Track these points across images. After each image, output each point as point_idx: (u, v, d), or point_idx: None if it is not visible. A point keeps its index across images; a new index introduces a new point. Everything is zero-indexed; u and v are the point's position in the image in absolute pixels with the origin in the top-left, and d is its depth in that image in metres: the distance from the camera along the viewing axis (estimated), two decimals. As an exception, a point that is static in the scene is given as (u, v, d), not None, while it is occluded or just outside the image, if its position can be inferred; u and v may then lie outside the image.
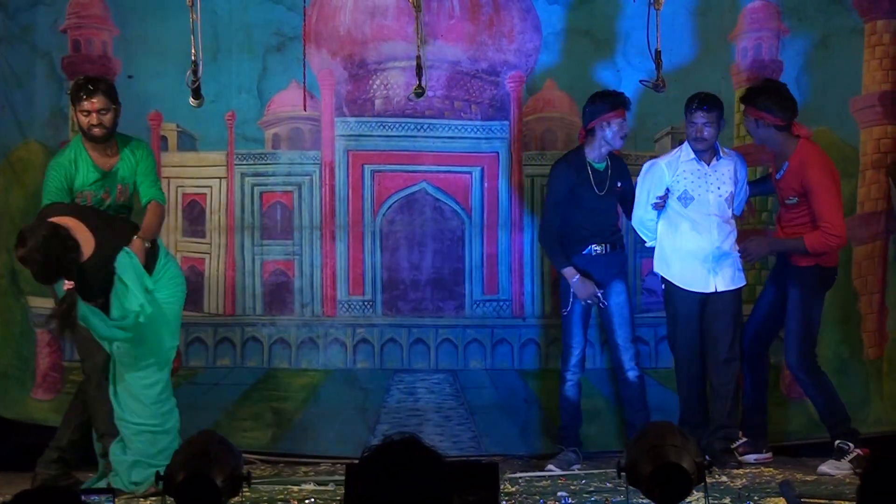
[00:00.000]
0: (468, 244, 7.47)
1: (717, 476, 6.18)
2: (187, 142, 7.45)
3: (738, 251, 6.72)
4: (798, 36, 7.43)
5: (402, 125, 7.51)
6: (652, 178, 6.75)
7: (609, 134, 6.74)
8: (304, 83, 7.06)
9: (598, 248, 6.86)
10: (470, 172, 7.51)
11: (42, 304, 7.25)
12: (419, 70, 6.47)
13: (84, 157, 6.44)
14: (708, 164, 6.70)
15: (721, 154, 6.76)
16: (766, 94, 6.65)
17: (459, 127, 7.50)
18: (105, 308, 6.15)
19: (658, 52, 6.38)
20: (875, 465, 3.16)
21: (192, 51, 6.09)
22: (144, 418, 6.16)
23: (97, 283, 6.10)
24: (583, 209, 6.87)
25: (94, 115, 6.38)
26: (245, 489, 4.33)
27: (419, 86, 6.61)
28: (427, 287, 7.42)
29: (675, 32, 7.17)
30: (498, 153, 7.50)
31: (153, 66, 7.33)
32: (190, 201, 7.37)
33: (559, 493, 5.92)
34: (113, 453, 6.14)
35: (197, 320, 7.29)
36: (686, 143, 6.81)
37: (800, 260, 6.68)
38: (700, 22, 7.43)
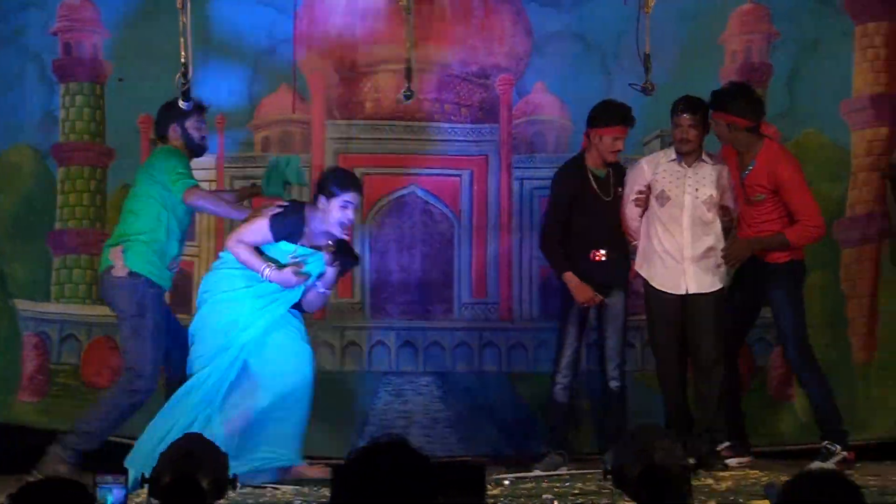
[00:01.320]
0: (457, 247, 7.48)
1: (702, 479, 6.18)
2: (177, 145, 7.44)
3: (721, 255, 6.68)
4: (788, 39, 7.44)
5: (393, 128, 7.52)
6: (634, 176, 6.74)
7: (602, 146, 6.68)
8: (295, 86, 7.08)
9: (602, 253, 6.78)
10: (459, 175, 7.52)
11: (29, 306, 7.26)
12: (409, 73, 6.48)
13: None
14: (689, 167, 6.68)
15: (704, 157, 6.69)
16: (737, 97, 6.59)
17: (449, 130, 7.51)
18: None
19: (647, 56, 6.39)
20: (793, 489, 3.16)
21: (182, 53, 6.10)
22: None
23: None
24: (587, 215, 6.75)
25: (205, 127, 6.48)
26: (230, 492, 4.33)
27: (409, 89, 6.62)
28: (416, 290, 7.42)
29: (665, 36, 7.16)
30: (487, 156, 7.51)
31: (144, 69, 7.33)
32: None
33: (544, 496, 5.92)
34: None
35: (184, 322, 7.28)
36: (673, 146, 6.81)
37: (777, 257, 6.66)
38: (690, 26, 7.44)
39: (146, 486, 4.18)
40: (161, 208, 6.24)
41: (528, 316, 7.39)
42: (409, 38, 6.42)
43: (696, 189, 6.63)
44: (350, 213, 6.17)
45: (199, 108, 6.38)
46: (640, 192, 6.69)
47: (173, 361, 6.36)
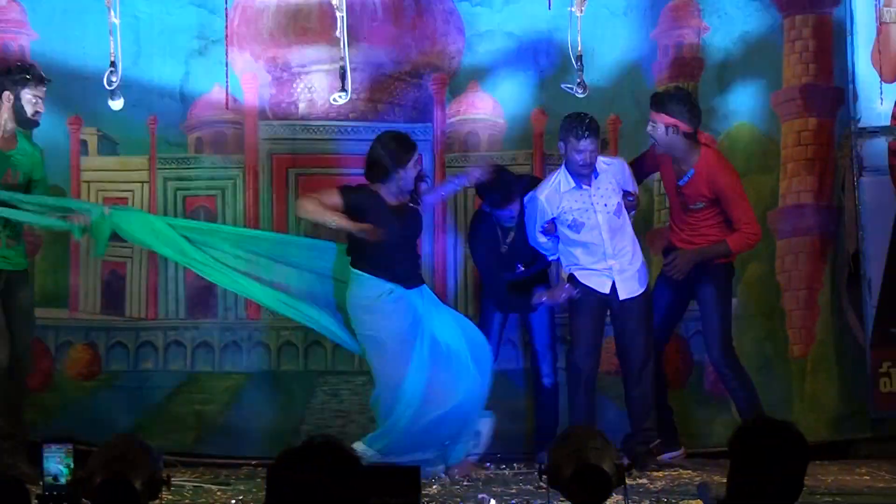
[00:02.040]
0: (392, 245, 7.46)
1: (636, 478, 6.21)
2: (108, 146, 7.39)
3: (664, 267, 6.69)
4: (718, 32, 7.50)
5: (326, 128, 7.50)
6: (534, 212, 6.67)
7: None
8: (227, 86, 7.04)
9: (522, 269, 6.84)
10: (394, 175, 7.49)
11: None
12: (343, 73, 6.47)
13: None
14: (589, 185, 6.61)
15: (598, 169, 6.61)
16: (678, 101, 6.64)
17: (383, 129, 7.48)
18: None
19: (579, 57, 6.41)
20: (741, 437, 3.30)
21: (111, 51, 6.04)
22: None
23: None
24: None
25: (41, 102, 6.39)
26: (164, 492, 4.30)
27: (342, 88, 6.61)
28: (350, 289, 7.39)
29: (597, 33, 7.21)
30: (421, 156, 7.50)
31: (72, 70, 7.26)
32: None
33: (480, 496, 5.93)
34: None
35: (119, 324, 7.23)
36: (564, 170, 6.63)
37: (716, 259, 6.74)
38: (622, 21, 7.48)
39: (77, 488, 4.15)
40: None
41: (464, 313, 7.37)
42: (341, 37, 6.40)
43: (605, 204, 6.59)
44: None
45: (39, 79, 6.32)
46: (546, 223, 6.65)
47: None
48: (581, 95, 6.50)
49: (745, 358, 7.30)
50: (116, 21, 6.01)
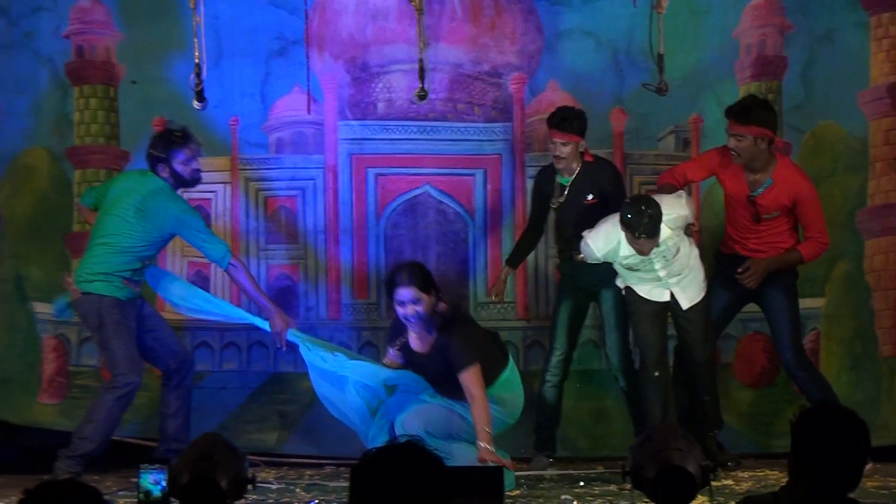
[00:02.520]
0: (472, 246, 7.47)
1: (721, 479, 6.16)
2: (192, 147, 7.46)
3: (737, 275, 6.58)
4: (802, 31, 7.41)
5: (405, 128, 7.51)
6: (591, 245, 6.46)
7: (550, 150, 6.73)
8: (308, 87, 7.08)
9: (581, 255, 6.75)
10: (473, 175, 7.51)
11: (47, 309, 7.28)
12: (422, 73, 6.47)
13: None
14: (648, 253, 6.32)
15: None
16: (767, 109, 6.47)
17: (462, 129, 7.50)
18: None
19: (661, 56, 6.35)
20: (803, 419, 3.34)
21: (196, 54, 6.10)
22: None
23: None
24: (557, 220, 6.87)
25: (194, 161, 6.50)
26: (249, 492, 4.34)
27: (422, 88, 6.62)
28: (431, 289, 7.41)
29: (677, 32, 7.15)
30: (501, 155, 7.50)
31: (157, 72, 7.34)
32: (196, 206, 7.36)
33: (563, 497, 5.92)
34: None
35: (203, 325, 7.29)
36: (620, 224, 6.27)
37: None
38: (703, 21, 7.42)
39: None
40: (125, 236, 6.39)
41: (545, 314, 7.36)
42: (421, 37, 6.41)
43: (664, 256, 6.35)
44: (406, 311, 6.11)
45: (188, 142, 6.40)
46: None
47: (159, 355, 6.57)
48: (662, 95, 6.46)
49: (834, 357, 7.24)
50: (200, 22, 6.06)
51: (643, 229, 6.10)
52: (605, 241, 6.34)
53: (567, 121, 6.61)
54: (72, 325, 7.32)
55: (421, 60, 6.45)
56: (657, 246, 6.26)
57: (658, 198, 6.27)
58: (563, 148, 6.59)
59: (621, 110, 7.38)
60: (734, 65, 7.44)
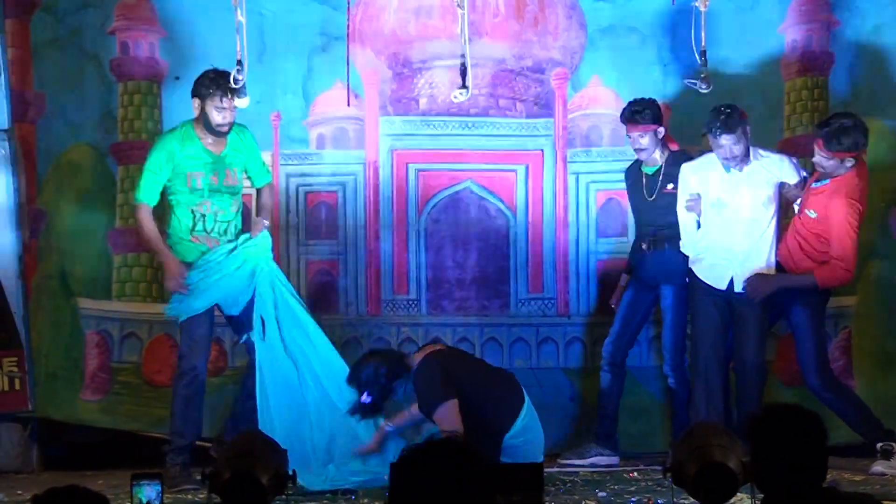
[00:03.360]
0: (513, 243, 7.47)
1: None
2: (234, 142, 7.48)
3: (743, 288, 6.54)
4: (848, 27, 7.37)
5: (447, 124, 7.51)
6: (682, 183, 6.69)
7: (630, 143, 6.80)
8: (349, 82, 7.09)
9: (644, 244, 6.86)
10: (515, 170, 7.51)
11: (91, 305, 7.33)
12: (464, 68, 6.47)
13: (195, 142, 6.54)
14: (741, 171, 6.56)
15: (753, 157, 6.57)
16: (854, 131, 6.41)
17: (504, 125, 7.50)
18: None
19: (703, 53, 6.33)
20: (763, 420, 3.36)
21: (238, 50, 6.12)
22: None
23: None
24: (636, 211, 6.99)
25: (227, 112, 6.48)
26: (290, 487, 4.35)
27: (464, 84, 6.61)
28: (472, 286, 7.42)
29: (722, 28, 7.12)
30: (543, 151, 7.49)
31: (200, 68, 7.35)
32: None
33: (599, 493, 5.90)
34: None
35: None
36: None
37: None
38: (748, 17, 7.39)
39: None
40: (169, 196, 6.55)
41: (586, 311, 7.36)
42: (462, 33, 6.40)
43: (752, 192, 6.52)
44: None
45: (230, 90, 6.35)
46: (690, 199, 6.63)
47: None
48: (705, 91, 6.43)
49: (866, 356, 7.21)
50: (243, 20, 6.08)
51: (720, 124, 6.40)
52: (699, 162, 6.62)
53: (638, 112, 6.75)
54: (114, 320, 7.38)
55: (463, 56, 6.43)
56: (745, 162, 6.45)
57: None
58: (641, 140, 6.72)
59: (665, 106, 7.34)
60: (780, 60, 7.39)
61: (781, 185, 6.64)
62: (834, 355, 7.29)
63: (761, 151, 6.64)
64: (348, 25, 7.12)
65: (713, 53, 6.51)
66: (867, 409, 6.61)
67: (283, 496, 4.38)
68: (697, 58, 6.31)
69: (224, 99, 6.44)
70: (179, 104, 7.29)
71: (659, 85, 7.39)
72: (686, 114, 7.28)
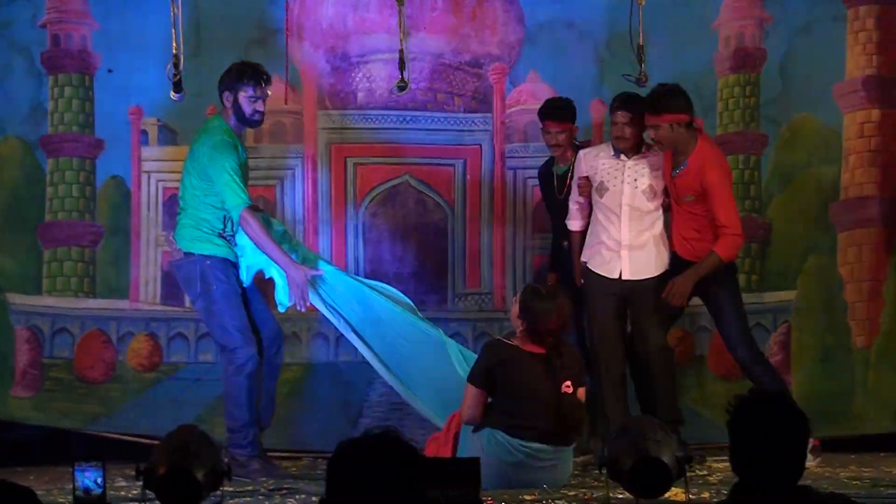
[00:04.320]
0: (451, 237, 7.47)
1: (696, 470, 6.16)
2: (168, 136, 7.44)
3: (664, 296, 6.50)
4: (780, 24, 7.43)
5: (385, 118, 7.50)
6: (575, 167, 6.65)
7: (545, 140, 6.76)
8: (287, 76, 7.05)
9: (565, 242, 6.81)
10: (453, 165, 7.51)
11: (20, 300, 7.25)
12: (402, 63, 6.45)
13: (235, 138, 6.28)
14: (629, 159, 6.47)
15: (646, 146, 6.50)
16: (676, 95, 6.36)
17: (442, 119, 7.49)
18: None
19: (641, 48, 6.34)
20: (740, 406, 3.24)
21: (174, 44, 6.06)
22: None
23: None
24: (549, 209, 6.94)
25: (260, 101, 6.27)
26: (226, 483, 4.32)
27: (402, 79, 6.59)
28: (410, 280, 7.40)
29: (658, 23, 7.15)
30: (481, 145, 7.50)
31: (134, 61, 7.32)
32: (171, 195, 7.32)
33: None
34: None
35: (178, 315, 7.26)
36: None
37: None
38: (683, 12, 7.42)
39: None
40: (197, 180, 6.20)
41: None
42: (401, 27, 6.39)
43: (636, 179, 6.47)
44: None
45: (259, 79, 6.23)
46: (579, 180, 6.61)
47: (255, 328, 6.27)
48: (642, 86, 6.45)
49: (806, 350, 7.27)
50: (178, 12, 6.03)
51: (619, 98, 6.42)
52: (592, 149, 6.59)
53: (560, 109, 6.70)
54: (45, 315, 7.30)
55: (401, 50, 6.42)
56: (635, 151, 6.43)
57: None
58: (560, 136, 6.67)
59: (601, 101, 7.37)
60: (713, 57, 7.44)
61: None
62: (773, 350, 7.35)
63: (650, 146, 6.52)
64: (286, 19, 7.08)
65: (649, 49, 6.54)
66: (786, 388, 6.60)
67: (219, 492, 4.36)
68: (634, 53, 6.34)
69: (258, 88, 6.24)
70: (111, 97, 7.23)
71: (596, 80, 7.42)
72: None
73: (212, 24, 7.37)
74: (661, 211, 6.53)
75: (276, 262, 6.14)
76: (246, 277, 6.26)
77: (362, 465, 2.88)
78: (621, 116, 6.44)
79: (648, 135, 6.46)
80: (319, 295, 6.26)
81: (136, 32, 7.31)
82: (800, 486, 3.19)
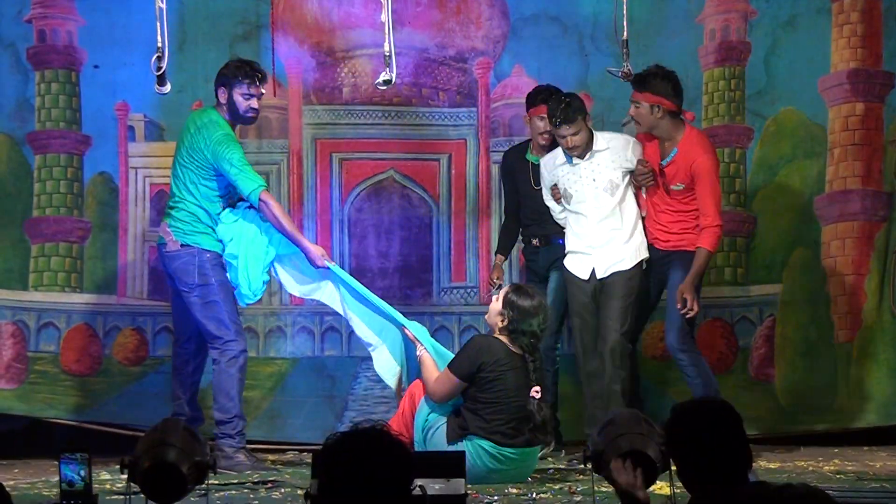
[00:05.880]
0: (436, 231, 7.48)
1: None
2: (154, 132, 7.44)
3: (682, 313, 6.50)
4: (765, 17, 7.45)
5: (370, 113, 7.51)
6: (542, 175, 6.65)
7: (532, 129, 6.75)
8: (273, 72, 7.05)
9: (535, 240, 6.81)
10: (438, 159, 7.52)
11: (6, 295, 7.24)
12: (387, 58, 6.46)
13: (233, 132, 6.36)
14: (583, 160, 6.48)
15: (596, 146, 6.48)
16: (662, 78, 6.44)
17: (427, 114, 7.51)
18: None
19: (625, 42, 6.35)
20: (677, 417, 3.32)
21: (158, 39, 6.06)
22: None
23: None
24: (522, 197, 6.86)
25: (255, 99, 6.33)
26: (210, 476, 4.33)
27: (387, 73, 6.59)
28: (395, 274, 7.42)
29: (642, 16, 7.17)
30: (466, 140, 7.51)
31: (119, 56, 7.32)
32: (158, 191, 7.34)
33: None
34: None
35: (165, 309, 7.26)
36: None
37: (679, 243, 6.56)
38: (668, 6, 7.44)
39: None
40: (194, 174, 6.24)
41: (507, 299, 7.38)
42: (386, 22, 6.39)
43: (594, 179, 6.47)
44: None
45: (254, 77, 6.28)
46: (553, 190, 6.60)
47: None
48: (626, 80, 6.46)
49: (789, 343, 7.28)
50: (163, 6, 6.03)
51: (559, 114, 6.33)
52: (549, 157, 6.56)
53: (551, 97, 6.60)
54: (31, 310, 7.29)
55: (386, 45, 6.42)
56: (588, 150, 6.42)
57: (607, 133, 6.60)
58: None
59: (586, 95, 7.37)
60: (698, 50, 7.46)
61: (632, 171, 6.52)
62: (757, 343, 7.38)
63: (607, 136, 6.56)
64: (271, 13, 7.08)
65: (632, 43, 6.55)
66: (715, 384, 6.56)
67: (204, 485, 4.37)
68: (619, 47, 6.35)
69: (252, 86, 6.30)
70: (98, 93, 7.22)
71: (581, 74, 7.44)
72: (607, 103, 7.32)
73: (196, 19, 7.37)
74: (631, 201, 6.52)
75: (295, 244, 6.23)
76: (247, 282, 6.30)
77: (352, 459, 2.89)
78: (566, 129, 6.39)
79: (629, 112, 6.50)
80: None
81: (121, 28, 7.32)
82: (756, 481, 3.23)
